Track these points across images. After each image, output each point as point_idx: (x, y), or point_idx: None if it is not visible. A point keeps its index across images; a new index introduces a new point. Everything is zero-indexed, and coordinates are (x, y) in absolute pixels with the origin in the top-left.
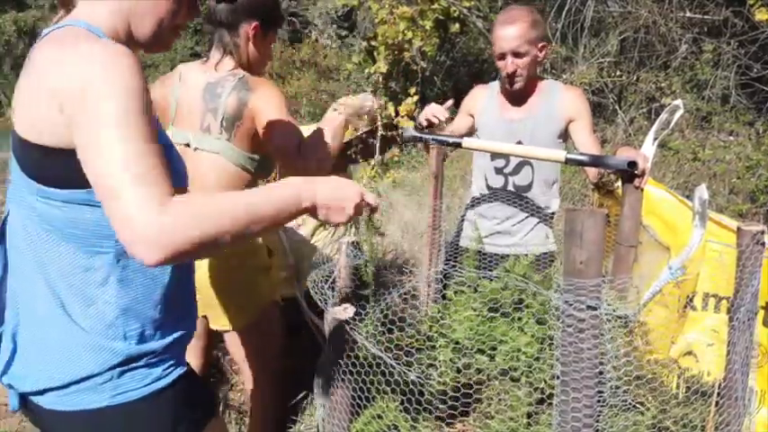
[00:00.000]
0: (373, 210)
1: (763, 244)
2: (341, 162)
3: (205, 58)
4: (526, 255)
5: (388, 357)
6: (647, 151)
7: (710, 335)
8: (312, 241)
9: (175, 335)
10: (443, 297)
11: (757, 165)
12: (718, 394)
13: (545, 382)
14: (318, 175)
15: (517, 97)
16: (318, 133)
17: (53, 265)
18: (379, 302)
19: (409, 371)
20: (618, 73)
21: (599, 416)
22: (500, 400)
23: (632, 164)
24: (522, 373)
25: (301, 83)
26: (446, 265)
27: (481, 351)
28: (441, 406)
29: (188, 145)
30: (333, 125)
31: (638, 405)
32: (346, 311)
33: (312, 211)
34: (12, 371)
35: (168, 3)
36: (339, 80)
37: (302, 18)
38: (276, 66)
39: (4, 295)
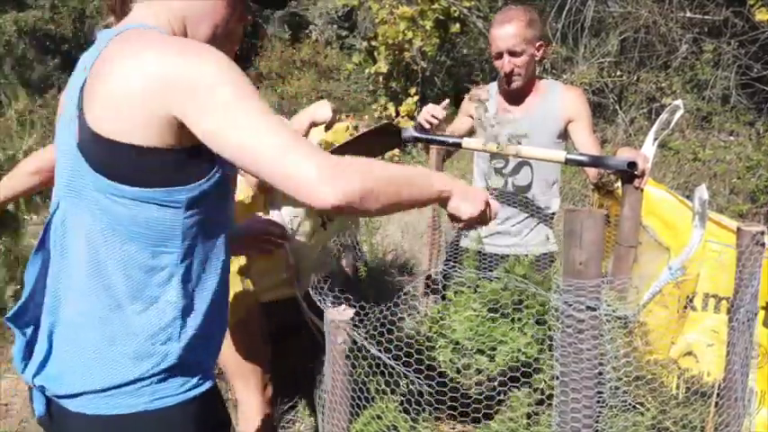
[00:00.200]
0: (490, 217)
1: (763, 244)
2: None
3: None
4: (526, 255)
5: (388, 358)
6: (647, 151)
7: (710, 335)
8: (311, 242)
9: (214, 344)
10: (443, 297)
11: (757, 165)
12: (718, 395)
13: (545, 382)
14: None
15: (515, 97)
16: None
17: (114, 264)
18: (379, 302)
19: (409, 371)
20: (618, 73)
21: (598, 416)
22: (500, 400)
23: (632, 164)
24: (521, 374)
25: (301, 83)
26: (446, 265)
27: (481, 351)
28: (440, 406)
29: None
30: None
31: (637, 405)
32: (346, 312)
33: (445, 201)
34: (46, 372)
35: (224, 8)
36: (339, 80)
37: (302, 18)
38: (276, 66)
39: (40, 296)
